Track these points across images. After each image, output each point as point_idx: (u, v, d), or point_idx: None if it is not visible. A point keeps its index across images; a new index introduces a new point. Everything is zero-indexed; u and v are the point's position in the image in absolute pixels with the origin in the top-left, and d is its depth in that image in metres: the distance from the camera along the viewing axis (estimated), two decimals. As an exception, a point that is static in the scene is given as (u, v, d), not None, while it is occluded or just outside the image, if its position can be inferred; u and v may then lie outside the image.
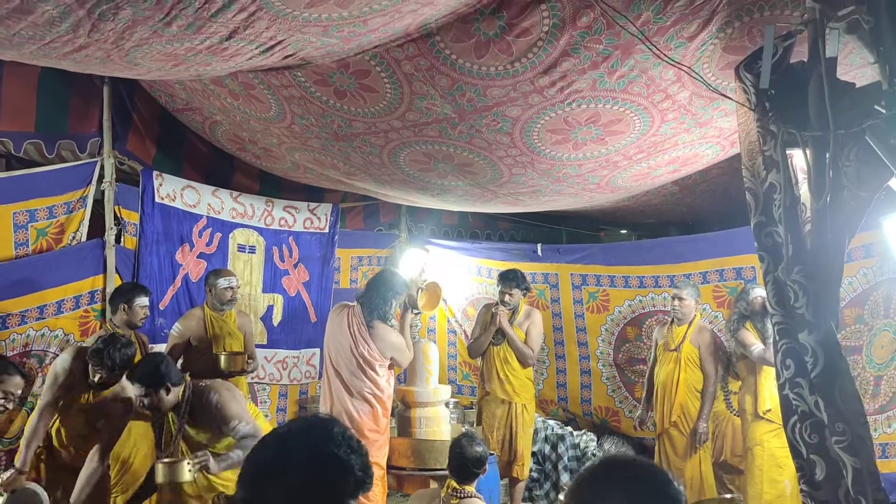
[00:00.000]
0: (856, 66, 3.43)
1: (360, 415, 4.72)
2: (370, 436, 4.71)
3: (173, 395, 3.83)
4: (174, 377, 3.85)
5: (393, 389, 4.98)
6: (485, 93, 3.84)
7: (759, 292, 5.12)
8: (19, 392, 3.62)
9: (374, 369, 4.77)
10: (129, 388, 4.14)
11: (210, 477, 3.95)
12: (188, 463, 3.69)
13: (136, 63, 3.38)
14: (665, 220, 7.75)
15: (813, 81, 2.59)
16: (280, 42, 3.25)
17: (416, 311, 5.26)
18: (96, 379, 4.02)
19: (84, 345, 4.33)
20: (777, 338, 2.58)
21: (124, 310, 4.67)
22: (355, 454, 1.51)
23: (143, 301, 4.71)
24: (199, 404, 3.91)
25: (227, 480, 4.00)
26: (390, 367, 4.91)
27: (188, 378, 4.00)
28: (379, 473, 4.76)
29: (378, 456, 4.74)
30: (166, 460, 3.75)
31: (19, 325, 4.72)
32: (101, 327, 4.97)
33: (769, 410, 4.95)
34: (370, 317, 4.80)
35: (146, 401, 3.83)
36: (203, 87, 4.54)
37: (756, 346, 5.08)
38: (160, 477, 3.74)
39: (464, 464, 3.59)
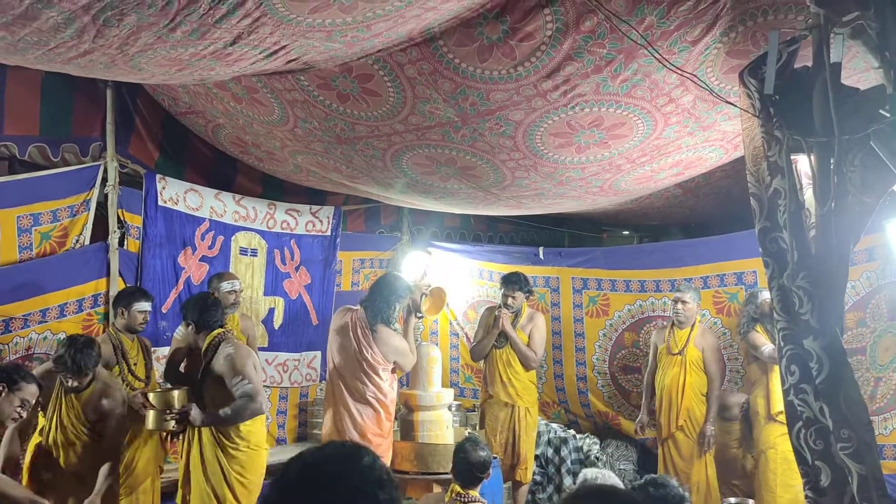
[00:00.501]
0: (859, 70, 3.43)
1: (364, 418, 4.73)
2: (373, 440, 4.71)
3: (202, 337, 4.23)
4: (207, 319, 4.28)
5: (396, 393, 4.99)
6: (488, 96, 3.84)
7: (767, 295, 5.12)
8: (33, 400, 3.64)
9: (377, 373, 4.79)
10: (115, 385, 4.24)
11: (228, 468, 4.03)
12: (169, 412, 3.94)
13: (140, 68, 3.38)
14: (668, 222, 7.75)
15: (817, 86, 2.59)
16: (284, 47, 3.25)
17: (419, 316, 5.26)
18: (69, 384, 4.03)
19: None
20: (782, 344, 2.58)
21: (123, 314, 4.67)
22: (383, 489, 1.41)
23: (141, 306, 4.70)
24: (217, 352, 4.17)
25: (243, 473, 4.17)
26: (393, 370, 4.92)
27: (225, 329, 4.31)
28: None
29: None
30: (154, 409, 4.04)
31: (22, 328, 4.72)
32: (104, 331, 4.96)
33: (781, 412, 4.95)
34: (373, 320, 4.82)
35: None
36: (206, 91, 4.54)
37: (766, 346, 5.09)
38: (149, 424, 4.06)
39: (468, 469, 3.58)
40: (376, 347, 4.80)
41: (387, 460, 4.85)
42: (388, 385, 4.86)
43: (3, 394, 3.50)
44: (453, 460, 3.68)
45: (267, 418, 6.32)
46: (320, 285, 6.69)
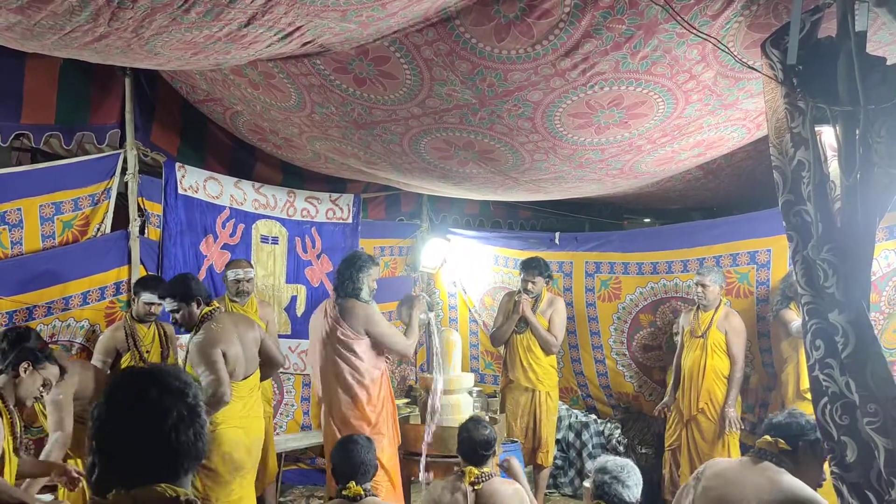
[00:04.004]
0: (885, 42, 3.36)
1: (342, 404, 4.64)
2: (354, 424, 4.59)
3: (200, 311, 4.20)
4: (204, 293, 4.25)
5: (380, 373, 4.80)
6: (506, 77, 3.80)
7: None
8: (53, 382, 3.67)
9: (351, 350, 4.66)
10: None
11: None
12: None
13: (156, 52, 3.38)
14: (689, 206, 7.67)
15: (842, 56, 2.52)
16: (298, 28, 3.23)
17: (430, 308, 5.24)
18: None
19: None
20: (806, 318, 2.53)
21: (134, 301, 4.75)
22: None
23: (146, 297, 4.73)
24: (198, 332, 4.15)
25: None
26: (376, 349, 4.77)
27: (217, 305, 4.29)
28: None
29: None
30: None
31: (45, 316, 4.77)
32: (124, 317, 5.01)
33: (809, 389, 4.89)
34: (341, 297, 4.75)
35: (178, 315, 4.19)
36: (223, 78, 4.54)
37: (795, 322, 5.04)
38: None
39: (473, 448, 3.63)
40: (345, 322, 4.67)
41: (378, 447, 4.52)
42: (369, 363, 4.69)
43: (28, 371, 3.51)
44: (458, 440, 3.71)
45: (292, 405, 6.38)
46: (343, 273, 6.70)
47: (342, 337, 4.67)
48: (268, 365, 4.54)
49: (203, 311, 4.22)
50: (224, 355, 4.10)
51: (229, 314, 4.43)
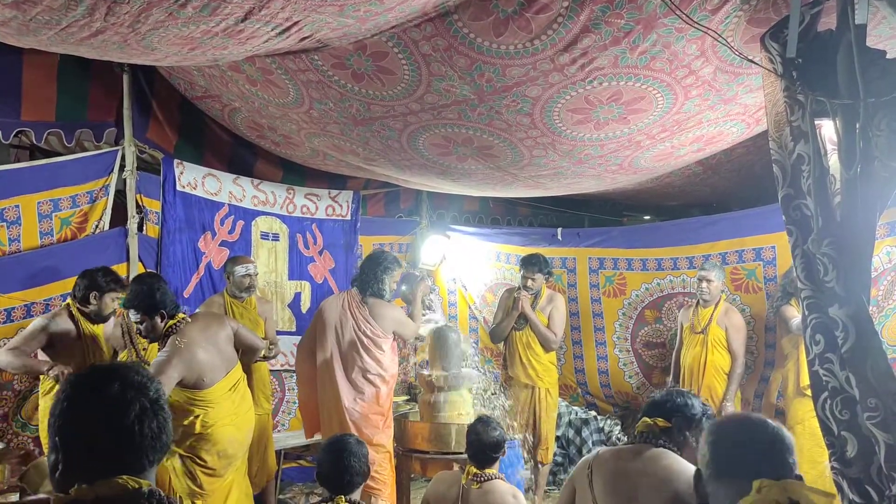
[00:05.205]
0: (885, 36, 3.34)
1: (363, 398, 4.68)
2: (373, 418, 4.68)
3: (165, 324, 4.03)
4: (170, 304, 4.05)
5: (397, 368, 4.96)
6: (504, 72, 3.78)
7: None
8: None
9: (379, 347, 4.75)
10: None
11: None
12: None
13: (154, 48, 3.36)
14: (688, 202, 7.66)
15: (842, 49, 2.51)
16: (296, 23, 3.21)
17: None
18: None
19: None
20: (806, 313, 2.52)
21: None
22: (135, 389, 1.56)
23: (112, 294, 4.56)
24: (163, 347, 4.03)
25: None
26: (394, 344, 4.89)
27: (183, 316, 4.11)
28: (386, 456, 4.75)
29: (382, 437, 4.71)
30: None
31: (43, 313, 4.75)
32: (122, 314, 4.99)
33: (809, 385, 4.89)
34: (365, 295, 4.82)
35: (142, 327, 4.04)
36: (221, 74, 4.53)
37: (795, 318, 5.03)
38: None
39: (481, 449, 3.57)
40: (374, 321, 4.76)
41: (388, 437, 4.79)
42: (390, 360, 4.81)
43: None
44: (466, 441, 3.66)
45: (294, 403, 6.37)
46: (344, 270, 6.71)
47: (372, 336, 4.75)
48: (247, 353, 4.51)
49: (168, 325, 4.04)
50: (183, 378, 3.96)
51: (196, 321, 4.20)
